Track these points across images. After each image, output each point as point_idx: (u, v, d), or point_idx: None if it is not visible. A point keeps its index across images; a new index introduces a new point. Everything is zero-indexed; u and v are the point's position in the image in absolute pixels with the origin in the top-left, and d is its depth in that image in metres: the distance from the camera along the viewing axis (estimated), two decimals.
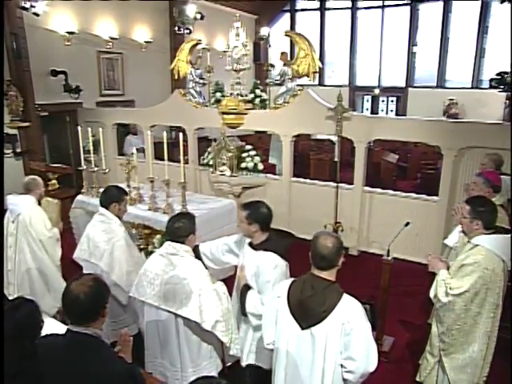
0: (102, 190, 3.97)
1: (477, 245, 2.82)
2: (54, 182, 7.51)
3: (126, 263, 3.67)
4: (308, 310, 2.31)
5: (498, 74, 9.29)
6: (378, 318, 3.99)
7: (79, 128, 5.55)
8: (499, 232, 2.84)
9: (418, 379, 3.26)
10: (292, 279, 2.50)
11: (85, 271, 3.72)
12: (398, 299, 4.78)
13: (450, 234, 4.02)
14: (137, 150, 5.27)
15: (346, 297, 2.32)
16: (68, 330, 2.13)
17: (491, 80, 9.95)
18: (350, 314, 2.26)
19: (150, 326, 3.19)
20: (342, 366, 2.29)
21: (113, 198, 3.76)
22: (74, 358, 2.05)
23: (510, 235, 2.83)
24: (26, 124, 8.11)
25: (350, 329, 2.23)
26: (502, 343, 3.24)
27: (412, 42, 14.77)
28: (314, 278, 2.37)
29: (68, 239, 5.71)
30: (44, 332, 2.21)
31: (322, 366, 2.30)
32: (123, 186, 4.84)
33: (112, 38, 10.00)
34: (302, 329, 2.34)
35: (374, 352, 2.29)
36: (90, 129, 5.49)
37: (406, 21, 14.67)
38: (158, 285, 3.02)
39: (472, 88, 13.95)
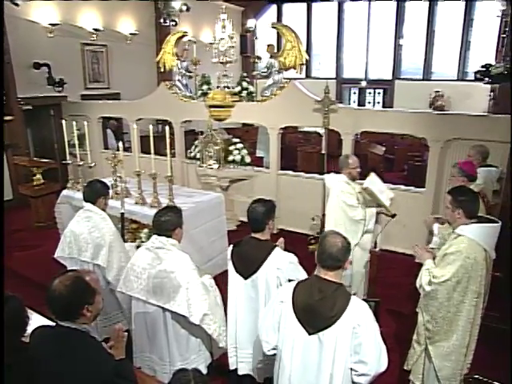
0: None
1: (460, 234, 2.86)
2: (38, 176, 7.41)
3: (120, 259, 3.65)
4: (317, 314, 2.24)
5: (482, 67, 9.37)
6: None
7: (64, 122, 5.47)
8: (482, 222, 2.88)
9: (405, 367, 3.29)
10: (294, 282, 2.43)
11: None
12: (386, 290, 4.82)
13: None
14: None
15: (354, 299, 2.27)
16: (57, 323, 2.12)
17: (476, 72, 10.04)
18: (359, 317, 2.20)
19: (137, 321, 3.17)
20: (351, 369, 2.24)
21: (100, 192, 3.71)
22: (60, 352, 2.04)
23: (492, 225, 2.86)
24: (9, 118, 7.96)
25: (360, 332, 2.18)
26: (487, 332, 3.30)
27: (398, 34, 14.84)
28: (320, 280, 2.30)
29: (55, 235, 5.65)
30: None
31: (330, 372, 2.24)
32: (108, 180, 4.81)
33: (96, 30, 9.86)
34: (310, 334, 2.27)
35: (384, 353, 2.25)
36: (74, 122, 5.40)
37: (393, 13, 14.71)
38: (146, 279, 3.01)
39: (458, 80, 14.11)
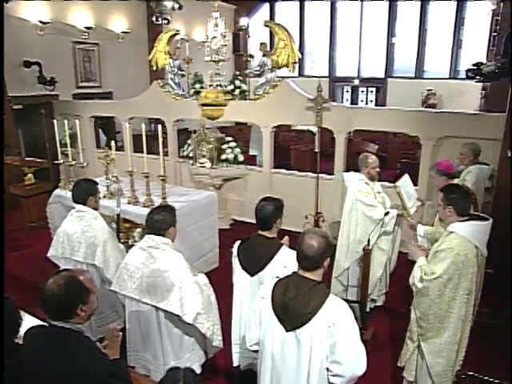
0: None
1: (451, 231, 2.88)
2: (29, 176, 7.35)
3: (116, 256, 3.64)
4: (292, 311, 2.24)
5: (474, 65, 9.42)
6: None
7: (55, 121, 5.42)
8: (474, 219, 2.90)
9: (399, 364, 3.32)
10: (277, 279, 2.43)
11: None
12: None
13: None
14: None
15: (331, 298, 2.24)
16: (51, 323, 2.10)
17: (468, 71, 10.10)
18: (335, 316, 2.18)
19: (131, 320, 3.18)
20: (327, 369, 2.22)
21: (88, 191, 3.67)
22: (53, 352, 2.03)
23: (483, 222, 2.89)
24: None
25: (335, 332, 2.15)
26: (480, 328, 3.32)
27: (391, 33, 14.88)
28: (298, 277, 2.30)
29: (47, 235, 5.61)
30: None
31: (307, 369, 2.23)
32: (101, 179, 4.79)
33: (88, 28, 9.78)
34: (287, 331, 2.26)
35: (362, 355, 2.21)
36: (66, 121, 5.35)
37: (385, 12, 14.76)
38: (139, 278, 3.01)
39: (449, 78, 14.18)
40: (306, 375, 2.24)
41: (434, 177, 3.92)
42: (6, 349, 2.07)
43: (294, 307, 2.24)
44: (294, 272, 2.36)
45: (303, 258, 2.27)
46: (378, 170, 4.39)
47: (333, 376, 2.21)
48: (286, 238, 3.22)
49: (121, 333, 2.43)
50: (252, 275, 3.02)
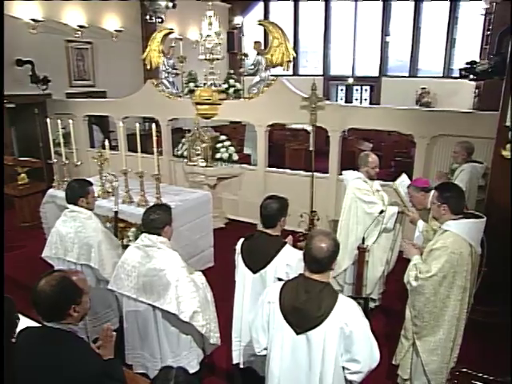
0: None
1: (446, 230, 2.89)
2: (23, 175, 7.31)
3: (111, 256, 3.61)
4: (304, 315, 2.23)
5: (467, 64, 9.45)
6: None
7: (48, 120, 5.39)
8: (468, 217, 2.91)
9: (393, 362, 3.33)
10: (281, 282, 2.42)
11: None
12: None
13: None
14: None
15: (341, 298, 2.25)
16: (43, 324, 2.09)
17: (461, 69, 10.14)
18: (347, 316, 2.19)
19: (129, 319, 3.18)
20: (343, 368, 2.23)
21: (78, 193, 3.64)
22: (46, 353, 2.01)
23: (477, 220, 2.90)
24: None
25: (349, 331, 2.16)
26: (475, 326, 3.34)
27: (385, 31, 14.90)
28: (306, 280, 2.28)
29: (41, 235, 5.57)
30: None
31: (319, 370, 2.24)
32: (94, 178, 4.76)
33: (81, 27, 9.72)
34: (297, 334, 2.26)
35: (375, 348, 2.25)
36: (59, 121, 5.32)
37: (379, 11, 14.78)
38: (136, 277, 3.02)
39: (443, 77, 14.22)
40: (318, 376, 2.24)
41: (413, 195, 3.94)
42: (5, 349, 2.06)
43: (305, 311, 2.23)
44: (301, 274, 2.33)
45: (312, 260, 2.24)
46: (377, 169, 4.39)
47: (351, 374, 2.23)
48: (290, 237, 3.23)
49: (115, 333, 2.42)
50: (254, 272, 3.03)
